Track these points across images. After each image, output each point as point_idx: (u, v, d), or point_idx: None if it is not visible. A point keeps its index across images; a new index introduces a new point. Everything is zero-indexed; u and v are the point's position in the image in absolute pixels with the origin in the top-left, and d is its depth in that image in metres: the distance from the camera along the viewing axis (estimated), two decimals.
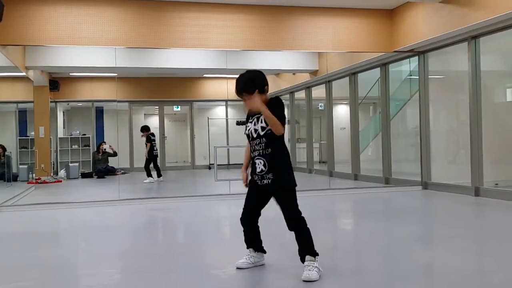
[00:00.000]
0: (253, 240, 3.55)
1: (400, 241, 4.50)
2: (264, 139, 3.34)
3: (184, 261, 3.86)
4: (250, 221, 3.51)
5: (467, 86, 7.47)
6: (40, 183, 10.47)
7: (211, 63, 9.95)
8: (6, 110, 10.89)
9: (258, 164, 3.37)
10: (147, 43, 7.64)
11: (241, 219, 3.53)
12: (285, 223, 3.37)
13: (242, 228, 3.55)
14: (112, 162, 12.68)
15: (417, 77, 8.66)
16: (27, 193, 8.78)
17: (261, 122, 3.34)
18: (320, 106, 12.70)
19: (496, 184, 7.34)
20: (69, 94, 12.75)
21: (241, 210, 3.52)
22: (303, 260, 3.33)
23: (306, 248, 3.33)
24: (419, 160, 8.56)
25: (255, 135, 3.37)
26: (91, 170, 12.60)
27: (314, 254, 3.32)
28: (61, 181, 11.21)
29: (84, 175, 12.25)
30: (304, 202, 7.05)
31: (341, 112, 12.46)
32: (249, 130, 3.42)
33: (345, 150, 10.97)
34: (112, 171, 12.49)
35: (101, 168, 12.32)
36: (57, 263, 3.92)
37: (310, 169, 12.27)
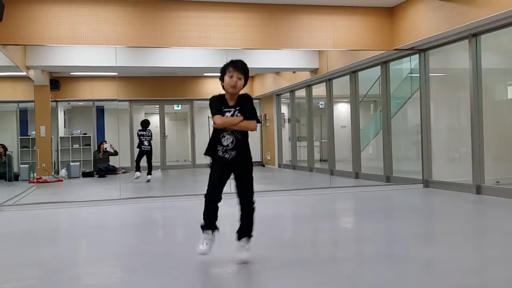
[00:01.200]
0: (216, 220, 3.63)
1: (401, 239, 4.50)
2: (236, 131, 3.60)
3: (185, 260, 3.86)
4: (219, 199, 3.60)
5: (468, 84, 7.45)
6: (41, 182, 10.48)
7: (211, 62, 9.92)
8: (7, 110, 10.89)
9: (227, 139, 3.58)
10: (148, 42, 7.64)
11: (211, 197, 3.58)
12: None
13: (215, 206, 3.59)
14: (113, 161, 12.68)
15: (418, 75, 8.65)
16: (28, 193, 8.78)
17: (236, 117, 3.57)
18: (321, 104, 12.69)
19: (498, 182, 7.33)
20: (70, 94, 12.75)
21: (217, 188, 3.58)
22: (240, 239, 3.60)
23: (250, 230, 3.63)
24: (420, 158, 8.56)
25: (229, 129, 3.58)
26: (92, 169, 12.60)
27: (250, 236, 3.64)
28: (62, 181, 11.22)
29: (85, 174, 12.25)
30: (305, 200, 7.09)
31: (342, 110, 12.45)
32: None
33: (346, 149, 10.95)
34: (113, 170, 12.48)
35: (102, 167, 12.32)
36: (58, 262, 3.93)
37: (311, 167, 12.26)
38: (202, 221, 3.63)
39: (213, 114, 3.60)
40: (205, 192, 3.62)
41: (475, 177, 7.31)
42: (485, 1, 6.44)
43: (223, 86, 3.62)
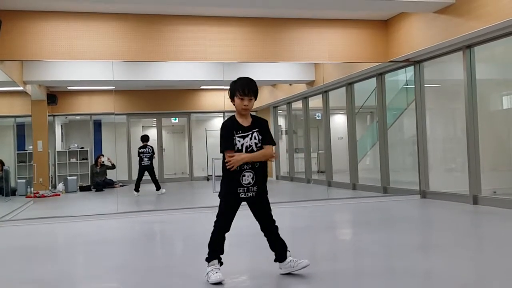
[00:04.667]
0: (223, 253, 3.54)
1: (399, 251, 4.51)
2: (257, 163, 3.49)
3: (183, 275, 3.85)
4: (229, 230, 3.54)
5: (463, 95, 7.51)
6: (39, 197, 10.45)
7: (208, 75, 10.00)
8: (4, 125, 10.90)
9: (247, 177, 3.47)
10: (145, 57, 7.69)
11: (225, 230, 3.51)
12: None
13: (228, 239, 3.53)
14: (111, 174, 12.67)
15: (413, 86, 8.71)
16: (25, 208, 8.76)
17: (255, 139, 3.48)
18: (318, 116, 12.74)
19: (494, 192, 7.35)
20: (67, 108, 12.78)
21: (231, 222, 3.53)
22: (284, 259, 3.55)
23: (285, 247, 3.58)
24: (417, 169, 8.58)
25: (248, 151, 3.46)
26: (90, 183, 12.58)
27: (288, 250, 3.59)
28: (59, 195, 11.19)
29: (83, 188, 12.23)
30: (303, 212, 7.10)
31: (339, 121, 12.50)
32: (241, 145, 3.46)
33: (343, 160, 10.98)
34: (110, 184, 12.47)
35: (99, 181, 12.31)
36: (55, 278, 3.91)
37: (308, 179, 12.27)
38: (208, 254, 3.51)
39: (224, 148, 3.45)
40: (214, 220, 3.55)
41: (471, 187, 7.33)
42: (478, 13, 6.52)
43: (233, 103, 3.53)
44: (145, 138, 11.04)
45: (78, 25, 7.37)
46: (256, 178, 3.49)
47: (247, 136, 3.48)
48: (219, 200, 3.59)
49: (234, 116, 3.56)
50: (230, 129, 3.48)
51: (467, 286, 3.31)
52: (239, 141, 3.46)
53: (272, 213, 3.61)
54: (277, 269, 3.63)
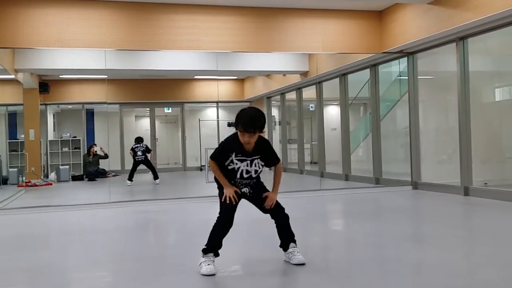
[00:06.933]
0: (221, 247, 3.51)
1: (390, 241, 4.54)
2: (255, 179, 3.56)
3: (176, 264, 3.86)
4: (232, 224, 3.49)
5: (455, 87, 7.54)
6: (30, 186, 10.41)
7: (201, 65, 9.96)
8: None
9: (244, 188, 3.53)
10: (137, 45, 7.63)
11: (226, 221, 3.44)
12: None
13: (226, 231, 3.47)
14: (103, 164, 12.63)
15: (407, 77, 8.73)
16: (17, 197, 8.72)
17: (255, 166, 3.47)
18: (311, 107, 12.74)
19: (486, 183, 7.41)
20: (59, 97, 12.69)
21: (233, 217, 3.48)
22: (286, 248, 3.58)
23: (292, 235, 3.61)
24: (409, 160, 8.63)
25: (246, 176, 3.48)
26: (82, 173, 12.54)
27: (294, 240, 3.63)
28: (51, 184, 11.15)
29: (75, 178, 12.19)
30: (295, 203, 7.12)
31: (332, 113, 12.51)
32: (238, 168, 3.45)
33: (336, 151, 11.01)
34: (103, 174, 12.44)
35: (91, 171, 12.27)
36: (47, 267, 3.91)
37: (301, 170, 12.30)
38: (205, 245, 3.46)
39: (212, 158, 3.47)
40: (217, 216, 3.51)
41: (463, 178, 7.38)
42: (472, 5, 6.53)
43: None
44: (138, 140, 11.16)
45: (70, 12, 7.30)
46: (253, 190, 3.57)
47: (245, 161, 3.45)
48: (213, 190, 3.59)
49: (237, 136, 3.44)
50: (230, 149, 3.43)
51: (458, 276, 3.35)
52: (236, 163, 3.44)
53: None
54: (269, 258, 3.65)
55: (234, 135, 3.44)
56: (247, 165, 3.45)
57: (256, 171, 3.50)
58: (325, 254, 4.13)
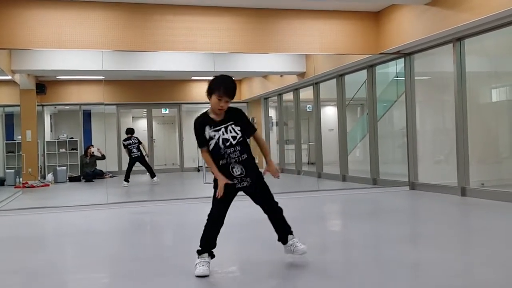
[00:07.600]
0: (214, 247, 3.49)
1: (387, 241, 4.54)
2: (238, 147, 3.45)
3: (173, 265, 3.86)
4: (222, 222, 3.49)
5: (452, 87, 7.55)
6: (28, 187, 10.37)
7: (198, 66, 9.94)
8: None
9: (236, 169, 3.46)
10: (134, 46, 7.62)
11: (217, 218, 3.43)
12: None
13: (217, 228, 3.45)
14: (100, 165, 12.59)
15: (403, 78, 8.74)
16: (14, 198, 8.70)
17: (231, 132, 3.43)
18: (308, 107, 12.75)
19: (482, 184, 7.42)
20: (56, 98, 12.65)
21: (224, 214, 3.47)
22: (285, 241, 3.60)
23: (288, 227, 3.64)
24: (406, 161, 8.64)
25: (227, 144, 3.43)
26: (79, 174, 12.50)
27: (292, 232, 3.66)
28: (48, 185, 11.12)
29: (72, 179, 12.15)
30: (293, 203, 7.12)
31: (329, 113, 12.52)
32: (218, 139, 3.43)
33: (333, 152, 11.02)
34: (100, 175, 12.40)
35: (89, 172, 12.24)
36: (44, 268, 3.90)
37: (298, 170, 12.30)
38: (199, 246, 3.46)
39: (199, 146, 3.48)
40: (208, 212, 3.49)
41: (460, 179, 7.40)
42: (468, 6, 6.54)
43: (209, 98, 3.47)
44: (130, 131, 11.10)
45: (67, 13, 7.29)
46: (246, 171, 3.48)
47: (220, 130, 3.44)
48: (210, 191, 3.57)
49: (207, 111, 3.52)
50: (201, 125, 3.47)
51: (456, 276, 3.35)
52: (214, 135, 3.44)
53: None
54: (266, 259, 3.65)
55: (201, 113, 3.53)
56: (223, 133, 3.43)
57: (234, 137, 3.43)
58: (322, 255, 4.13)
